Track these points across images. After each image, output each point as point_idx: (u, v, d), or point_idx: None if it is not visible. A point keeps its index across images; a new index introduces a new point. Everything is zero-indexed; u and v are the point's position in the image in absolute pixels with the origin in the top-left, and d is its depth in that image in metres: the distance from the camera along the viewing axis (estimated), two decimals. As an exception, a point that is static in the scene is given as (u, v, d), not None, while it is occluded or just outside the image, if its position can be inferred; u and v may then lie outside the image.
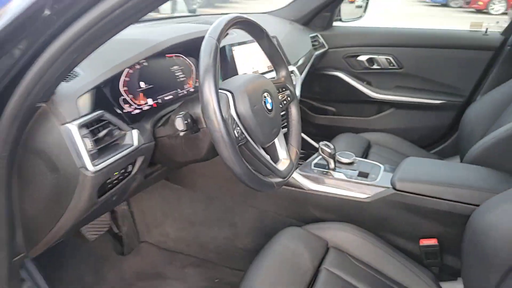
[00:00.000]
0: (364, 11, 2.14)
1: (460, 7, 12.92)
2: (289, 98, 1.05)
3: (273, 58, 1.03)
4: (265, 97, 0.89)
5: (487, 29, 1.93)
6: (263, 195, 1.38)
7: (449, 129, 2.02)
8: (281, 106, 1.00)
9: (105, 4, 0.54)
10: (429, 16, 10.55)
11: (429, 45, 2.01)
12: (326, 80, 2.16)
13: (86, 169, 0.75)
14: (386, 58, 2.05)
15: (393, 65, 2.06)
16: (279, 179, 0.91)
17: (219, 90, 0.83)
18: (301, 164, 1.36)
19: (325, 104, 2.27)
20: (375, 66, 2.09)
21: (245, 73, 1.31)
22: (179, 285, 1.45)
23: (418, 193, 1.13)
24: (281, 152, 1.01)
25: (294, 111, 1.07)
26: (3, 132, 0.67)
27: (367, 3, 2.13)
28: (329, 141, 1.30)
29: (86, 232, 1.35)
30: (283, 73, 1.05)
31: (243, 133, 0.82)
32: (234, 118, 0.81)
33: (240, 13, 0.90)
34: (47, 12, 0.57)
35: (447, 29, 2.11)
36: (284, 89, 1.04)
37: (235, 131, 0.79)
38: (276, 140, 0.99)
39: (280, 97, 1.01)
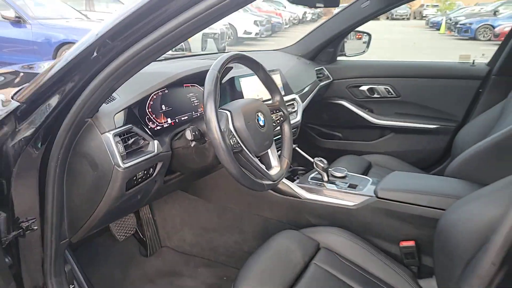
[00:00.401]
0: (367, 46, 2.36)
1: (489, 39, 12.78)
2: (282, 118, 1.26)
3: (268, 86, 1.24)
4: (258, 115, 1.10)
5: (473, 60, 2.09)
6: (267, 204, 1.54)
7: (445, 151, 2.13)
8: (274, 124, 1.21)
9: (135, 47, 0.77)
10: (460, 49, 10.52)
11: (422, 75, 2.18)
12: (332, 108, 2.35)
13: (118, 166, 0.98)
14: (385, 88, 2.23)
15: (391, 94, 2.23)
16: (270, 182, 1.10)
17: (221, 110, 1.06)
18: (299, 178, 1.56)
19: (332, 130, 2.44)
20: (375, 95, 2.27)
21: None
22: (193, 281, 1.63)
23: (396, 200, 1.27)
24: (273, 161, 1.20)
25: (286, 128, 1.28)
26: (60, 140, 0.89)
27: (369, 39, 2.34)
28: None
29: (116, 232, 1.59)
30: (277, 98, 1.26)
31: (239, 143, 1.02)
32: (231, 131, 1.02)
33: (249, 51, 1.13)
34: (95, 54, 0.80)
35: (439, 61, 2.29)
36: (278, 111, 1.25)
37: (231, 141, 1.00)
38: (269, 151, 1.19)
39: (274, 117, 1.23)
